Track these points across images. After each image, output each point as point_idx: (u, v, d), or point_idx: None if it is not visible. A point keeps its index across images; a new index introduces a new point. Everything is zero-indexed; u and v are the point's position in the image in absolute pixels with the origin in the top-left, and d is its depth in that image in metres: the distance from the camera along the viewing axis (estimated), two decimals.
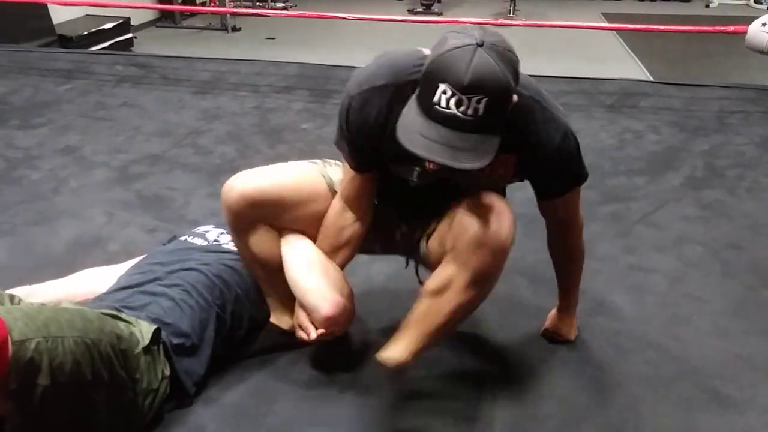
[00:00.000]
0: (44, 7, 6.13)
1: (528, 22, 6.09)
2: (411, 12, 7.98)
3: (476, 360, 1.81)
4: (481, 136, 1.20)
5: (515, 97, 1.23)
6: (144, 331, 1.49)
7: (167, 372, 1.53)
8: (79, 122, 3.60)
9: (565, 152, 1.42)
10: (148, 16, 7.30)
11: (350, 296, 1.61)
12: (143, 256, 1.88)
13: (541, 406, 1.64)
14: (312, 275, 1.56)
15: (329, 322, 1.54)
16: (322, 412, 1.63)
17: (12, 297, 1.49)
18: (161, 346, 1.51)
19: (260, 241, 1.61)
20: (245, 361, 1.76)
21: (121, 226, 2.52)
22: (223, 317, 1.66)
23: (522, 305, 2.02)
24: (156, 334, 1.49)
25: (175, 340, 1.55)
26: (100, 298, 1.64)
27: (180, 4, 7.27)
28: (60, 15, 6.39)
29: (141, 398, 1.46)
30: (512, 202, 1.49)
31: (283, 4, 8.84)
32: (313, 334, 1.56)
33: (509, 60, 1.19)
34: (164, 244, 1.95)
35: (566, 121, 1.42)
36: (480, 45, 1.16)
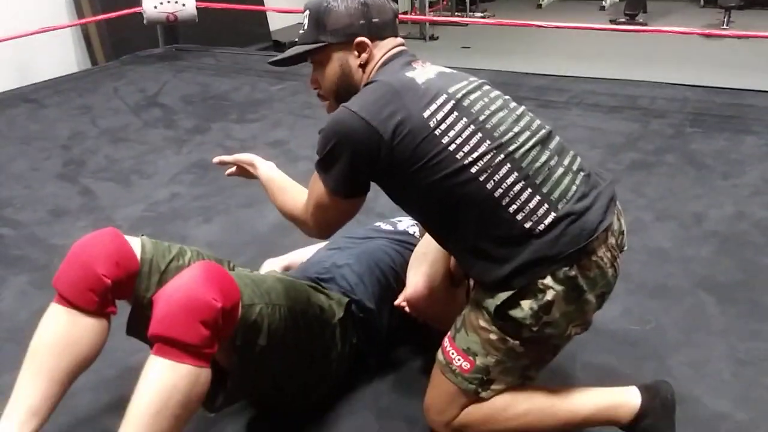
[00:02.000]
0: (263, 15, 6.76)
1: (742, 33, 5.65)
2: (613, 22, 7.73)
3: None
4: (299, 45, 1.46)
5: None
6: (338, 303, 1.64)
7: (354, 341, 1.68)
8: (287, 119, 3.95)
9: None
10: None
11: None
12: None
13: None
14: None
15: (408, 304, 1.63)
16: None
17: (229, 263, 1.70)
18: (350, 317, 1.66)
19: None
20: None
21: None
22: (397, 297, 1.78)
23: None
24: (348, 307, 1.65)
25: (360, 314, 1.69)
26: (303, 268, 1.84)
27: None
28: (276, 23, 7.01)
29: (335, 364, 1.63)
30: None
31: (481, 14, 8.97)
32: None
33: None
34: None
35: (357, 109, 1.31)
36: None
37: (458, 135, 1.30)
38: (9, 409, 1.37)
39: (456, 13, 9.05)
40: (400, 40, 1.47)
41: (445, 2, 9.71)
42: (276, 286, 1.47)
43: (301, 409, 1.63)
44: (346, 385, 1.72)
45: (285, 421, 1.63)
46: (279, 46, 6.86)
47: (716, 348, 1.85)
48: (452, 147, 1.29)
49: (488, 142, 1.30)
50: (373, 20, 1.40)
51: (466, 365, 1.39)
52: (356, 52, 1.42)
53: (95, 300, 1.40)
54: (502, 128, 1.33)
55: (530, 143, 1.34)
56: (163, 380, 1.20)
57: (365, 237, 1.92)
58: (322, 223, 1.45)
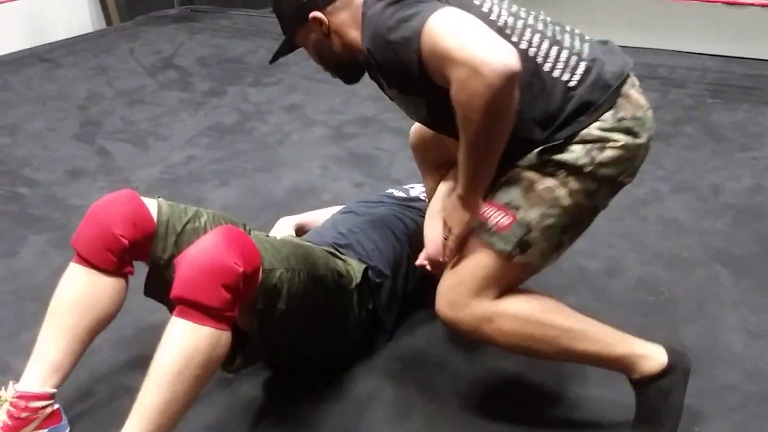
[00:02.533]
0: None
1: (766, 2, 5.50)
2: None
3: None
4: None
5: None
6: (355, 269, 1.66)
7: (370, 307, 1.70)
8: (303, 83, 3.93)
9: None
10: None
11: None
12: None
13: None
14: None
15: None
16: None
17: (245, 226, 1.72)
18: (367, 283, 1.68)
19: None
20: None
21: (333, 179, 2.76)
22: (411, 263, 1.79)
23: None
24: (365, 273, 1.66)
25: (377, 280, 1.71)
26: (319, 233, 1.85)
27: None
28: None
29: (351, 328, 1.65)
30: None
31: None
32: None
33: None
34: None
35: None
36: None
37: (483, 2, 1.34)
38: (32, 364, 1.41)
39: None
40: None
41: None
42: (295, 252, 1.49)
43: (317, 371, 1.67)
44: (361, 349, 1.74)
45: (301, 382, 1.66)
46: None
47: (728, 320, 1.85)
48: (485, 8, 1.32)
49: (505, 9, 1.34)
50: None
51: (505, 221, 1.31)
52: (318, 26, 1.40)
53: (113, 260, 1.43)
54: (510, 4, 1.38)
55: (533, 15, 1.38)
56: (185, 342, 1.22)
57: (378, 202, 1.93)
58: (476, 37, 1.13)
